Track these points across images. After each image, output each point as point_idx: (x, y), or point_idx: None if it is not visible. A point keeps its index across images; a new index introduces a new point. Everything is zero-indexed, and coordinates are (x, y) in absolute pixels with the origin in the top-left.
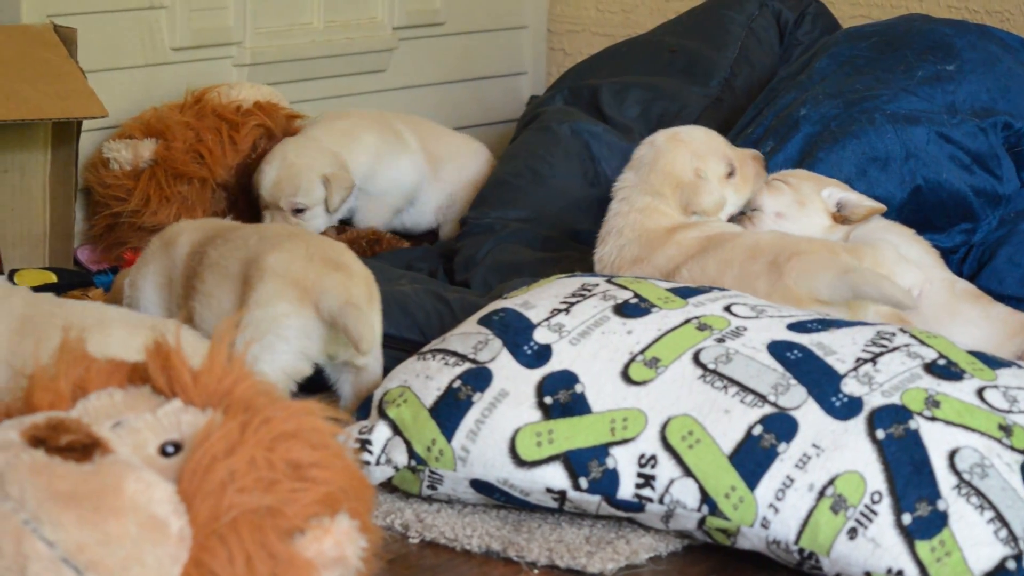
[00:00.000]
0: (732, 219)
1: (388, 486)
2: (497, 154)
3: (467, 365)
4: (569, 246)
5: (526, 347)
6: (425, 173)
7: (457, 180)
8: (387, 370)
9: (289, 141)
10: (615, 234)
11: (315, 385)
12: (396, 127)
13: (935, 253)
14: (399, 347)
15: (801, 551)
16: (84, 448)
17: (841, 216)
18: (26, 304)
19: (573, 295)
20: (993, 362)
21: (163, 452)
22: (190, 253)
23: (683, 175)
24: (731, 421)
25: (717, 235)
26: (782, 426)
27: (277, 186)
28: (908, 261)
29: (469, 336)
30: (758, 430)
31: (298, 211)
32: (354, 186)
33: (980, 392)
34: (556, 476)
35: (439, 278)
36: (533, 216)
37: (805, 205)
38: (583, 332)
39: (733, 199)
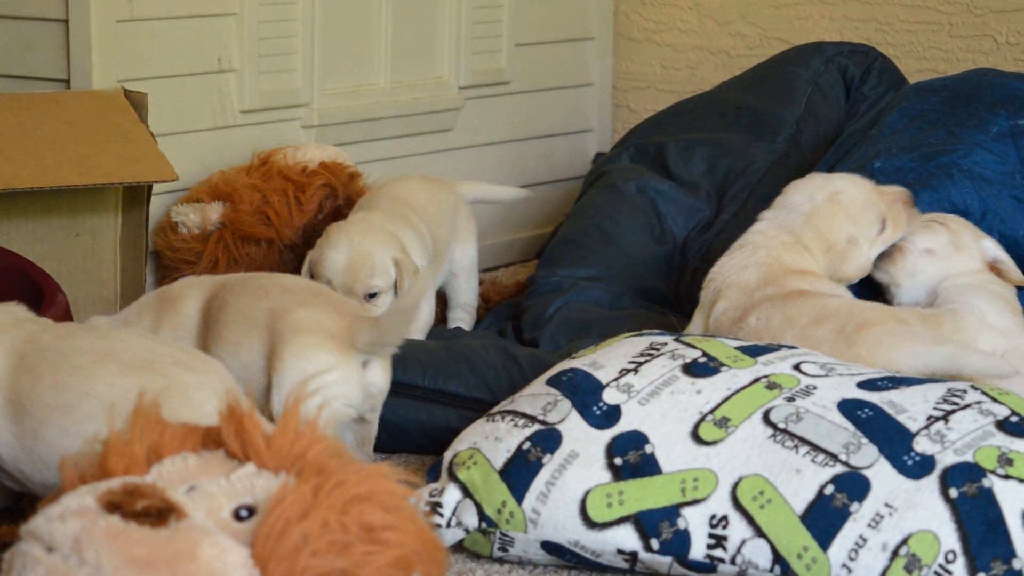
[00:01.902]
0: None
1: (459, 547)
2: (563, 212)
3: (536, 427)
4: (638, 304)
5: (595, 408)
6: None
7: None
8: (456, 431)
9: (345, 225)
10: (752, 250)
11: None
12: (412, 220)
13: (1015, 318)
14: (468, 406)
15: None
16: (159, 513)
17: (996, 268)
18: (25, 339)
19: (641, 355)
20: None
21: (237, 516)
22: (205, 304)
23: (836, 241)
24: (802, 481)
25: (796, 291)
26: (854, 485)
27: (351, 270)
28: (991, 328)
29: (538, 397)
30: (830, 489)
31: (371, 296)
32: (418, 271)
33: None
34: (627, 537)
35: (507, 336)
36: (601, 274)
37: (960, 250)
38: (652, 392)
39: (880, 251)
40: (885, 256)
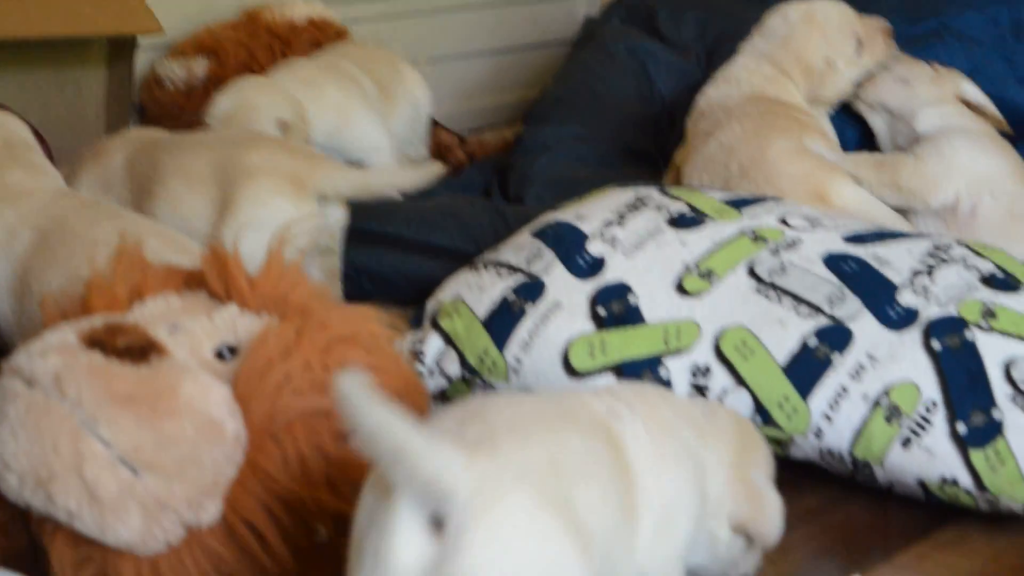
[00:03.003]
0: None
1: (441, 397)
2: (551, 75)
3: (520, 277)
4: (625, 163)
5: (579, 259)
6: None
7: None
8: (440, 282)
9: (250, 77)
10: (733, 83)
11: None
12: (360, 81)
13: (1011, 164)
14: (454, 258)
15: (855, 460)
16: (141, 351)
17: (964, 101)
18: (53, 217)
19: (626, 207)
20: None
21: (219, 356)
22: (128, 162)
23: (814, 63)
24: (785, 332)
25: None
26: (837, 337)
27: (227, 122)
28: (960, 173)
29: (522, 248)
30: (812, 341)
31: None
32: (307, 138)
33: None
34: None
35: (494, 193)
36: (588, 134)
37: (938, 83)
38: (637, 244)
39: (857, 74)
40: (862, 83)
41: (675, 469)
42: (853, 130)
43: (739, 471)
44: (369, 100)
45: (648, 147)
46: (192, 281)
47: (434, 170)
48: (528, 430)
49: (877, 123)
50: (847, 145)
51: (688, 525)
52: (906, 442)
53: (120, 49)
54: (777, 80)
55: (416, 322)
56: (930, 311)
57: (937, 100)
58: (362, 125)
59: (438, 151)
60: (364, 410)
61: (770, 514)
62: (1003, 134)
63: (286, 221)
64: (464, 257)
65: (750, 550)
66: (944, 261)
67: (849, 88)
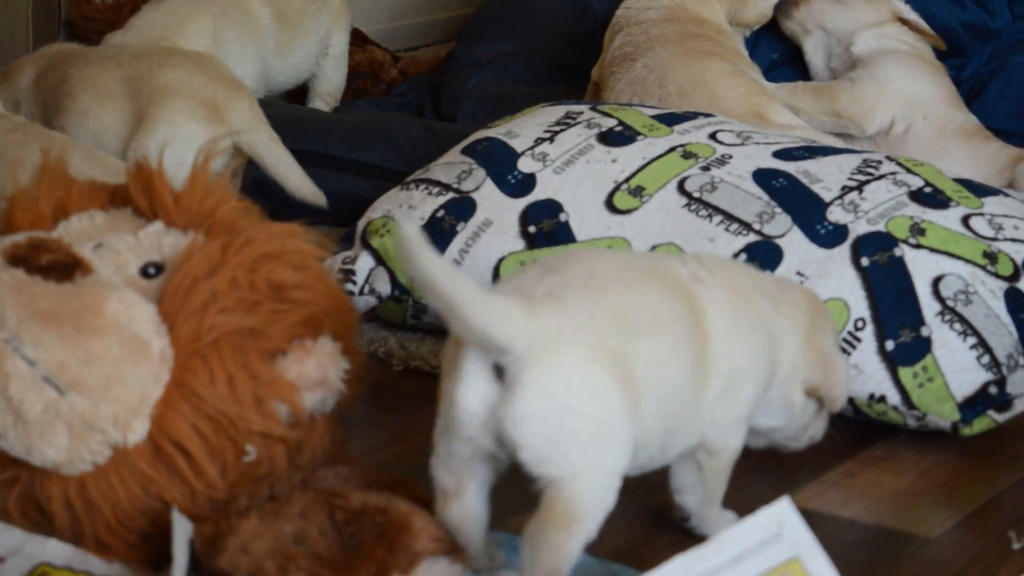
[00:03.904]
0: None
1: (372, 316)
2: None
3: (451, 195)
4: (558, 80)
5: (510, 176)
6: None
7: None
8: (371, 202)
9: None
10: None
11: None
12: (249, 8)
13: (944, 87)
14: (385, 177)
15: None
16: (65, 268)
17: (902, 19)
18: None
19: (557, 124)
20: (979, 190)
21: (144, 273)
22: (37, 78)
23: None
24: (716, 249)
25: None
26: (767, 254)
27: None
28: (895, 96)
29: (453, 166)
30: (743, 258)
31: None
32: None
33: (966, 220)
34: None
35: (426, 111)
36: (521, 50)
37: (874, 3)
38: (567, 161)
39: None
40: (791, 3)
41: (748, 337)
42: (780, 54)
43: (811, 339)
44: (252, 30)
45: (581, 64)
46: (117, 198)
47: (320, 200)
48: (603, 285)
49: (810, 46)
50: (781, 73)
51: (753, 392)
52: None
53: None
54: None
55: (346, 240)
56: (859, 227)
57: (875, 21)
58: (227, 56)
59: (371, 68)
60: (424, 264)
61: (840, 378)
62: (936, 51)
63: (202, 142)
64: (395, 175)
65: (819, 414)
66: (874, 177)
67: (769, 11)
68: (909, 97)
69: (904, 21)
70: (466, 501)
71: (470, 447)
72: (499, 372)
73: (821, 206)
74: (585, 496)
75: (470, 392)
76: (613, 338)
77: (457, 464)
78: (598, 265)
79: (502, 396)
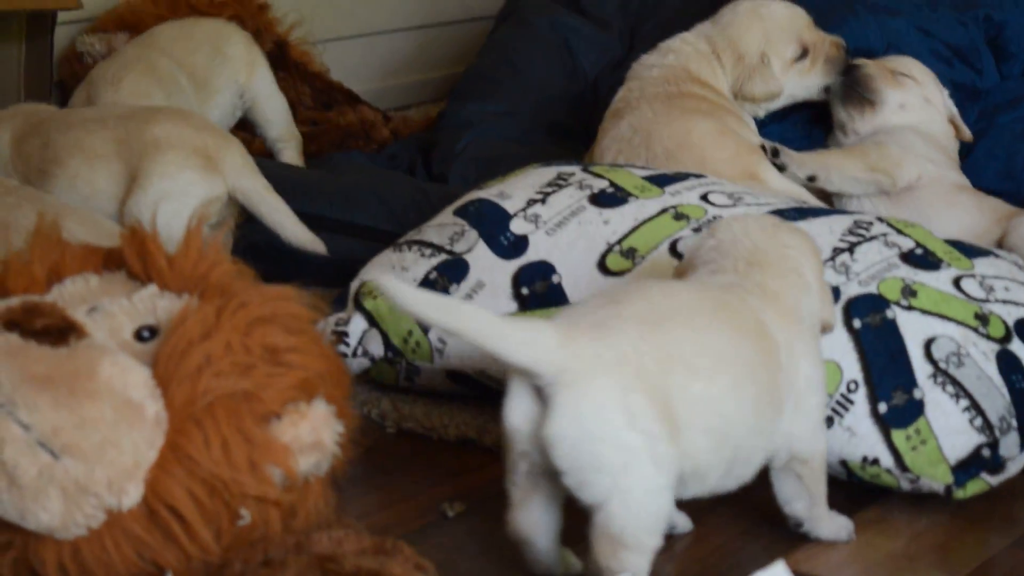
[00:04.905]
0: (842, 101)
1: (365, 378)
2: (476, 52)
3: (443, 256)
4: (548, 140)
5: (502, 238)
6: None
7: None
8: (363, 262)
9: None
10: (664, 52)
11: None
12: (165, 73)
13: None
14: (376, 238)
15: None
16: (59, 332)
17: (954, 124)
18: None
19: (549, 185)
20: (970, 251)
21: (139, 337)
22: (15, 141)
23: (747, 52)
24: None
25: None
26: None
27: None
28: (917, 155)
29: (445, 227)
30: None
31: None
32: None
33: (957, 281)
34: None
35: (417, 171)
36: (511, 110)
37: (930, 104)
38: (559, 222)
39: (796, 84)
40: (855, 104)
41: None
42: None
43: (821, 280)
44: (175, 94)
45: (572, 123)
46: (111, 261)
47: (319, 247)
48: (659, 321)
49: (849, 125)
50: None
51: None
52: (828, 422)
53: (38, 24)
54: (706, 58)
55: (339, 303)
56: (851, 289)
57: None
58: None
59: (363, 128)
60: (445, 311)
61: (832, 305)
62: None
63: (201, 197)
64: (387, 236)
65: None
66: (865, 238)
67: (779, 92)
68: (926, 155)
69: (953, 124)
70: (530, 512)
71: (525, 462)
72: (540, 393)
73: None
74: (623, 522)
75: (515, 410)
76: (656, 374)
77: (518, 476)
78: (661, 301)
79: (541, 415)
